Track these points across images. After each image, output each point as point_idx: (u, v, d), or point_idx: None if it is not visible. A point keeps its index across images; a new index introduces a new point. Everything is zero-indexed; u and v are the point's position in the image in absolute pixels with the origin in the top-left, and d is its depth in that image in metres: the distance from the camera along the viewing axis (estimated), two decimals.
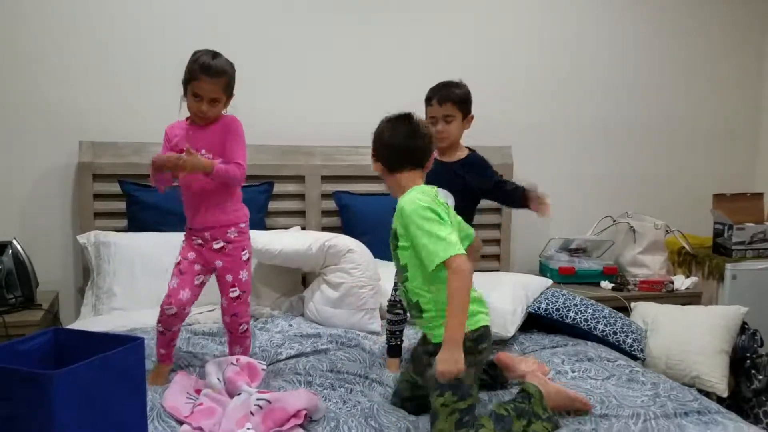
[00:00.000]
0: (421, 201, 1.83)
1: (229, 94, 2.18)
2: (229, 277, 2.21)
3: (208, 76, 2.08)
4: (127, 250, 2.83)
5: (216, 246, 2.19)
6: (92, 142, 3.04)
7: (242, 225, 2.24)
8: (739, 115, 3.90)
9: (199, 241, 2.20)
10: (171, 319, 2.14)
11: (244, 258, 2.24)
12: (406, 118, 2.02)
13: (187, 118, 2.21)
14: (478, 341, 1.87)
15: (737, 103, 3.89)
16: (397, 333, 2.37)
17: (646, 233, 3.46)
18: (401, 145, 1.95)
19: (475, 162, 2.43)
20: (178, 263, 2.20)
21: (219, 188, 2.17)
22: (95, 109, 3.10)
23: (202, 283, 2.22)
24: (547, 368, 2.27)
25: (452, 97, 2.38)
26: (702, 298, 3.36)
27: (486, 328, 1.90)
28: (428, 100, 2.41)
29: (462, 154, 2.43)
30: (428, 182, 2.00)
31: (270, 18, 3.26)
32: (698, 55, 3.79)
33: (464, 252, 1.77)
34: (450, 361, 1.70)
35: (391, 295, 2.40)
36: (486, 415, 1.80)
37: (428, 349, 1.93)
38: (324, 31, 3.33)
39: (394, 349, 2.36)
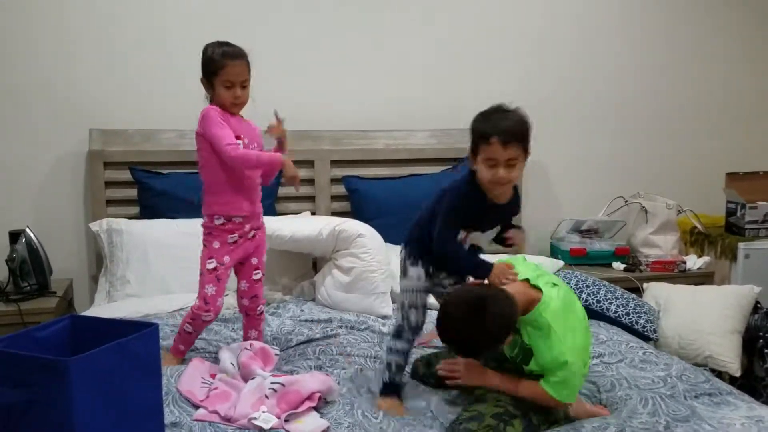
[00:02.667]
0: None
1: (250, 76, 2.20)
2: (255, 260, 2.25)
3: (234, 60, 2.11)
4: (140, 237, 2.84)
5: (250, 236, 2.22)
6: (102, 129, 3.05)
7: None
8: (752, 93, 3.85)
9: (236, 237, 2.17)
10: (204, 323, 2.18)
11: (265, 241, 2.31)
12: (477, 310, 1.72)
13: (220, 108, 2.16)
14: None
15: (750, 80, 3.83)
16: (402, 365, 1.98)
17: (658, 213, 3.44)
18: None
19: (518, 198, 2.07)
20: (215, 269, 2.14)
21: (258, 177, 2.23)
22: (105, 96, 3.10)
23: None
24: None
25: (518, 137, 1.85)
26: (714, 277, 3.35)
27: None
28: (485, 138, 1.83)
29: (510, 191, 1.98)
30: (480, 225, 1.96)
31: (279, 4, 3.24)
32: (710, 32, 3.74)
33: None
34: (477, 377, 1.86)
35: (396, 319, 2.04)
36: (520, 417, 1.78)
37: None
38: (333, 17, 3.31)
39: (394, 387, 1.96)
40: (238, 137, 2.12)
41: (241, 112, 2.22)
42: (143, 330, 1.65)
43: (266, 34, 3.23)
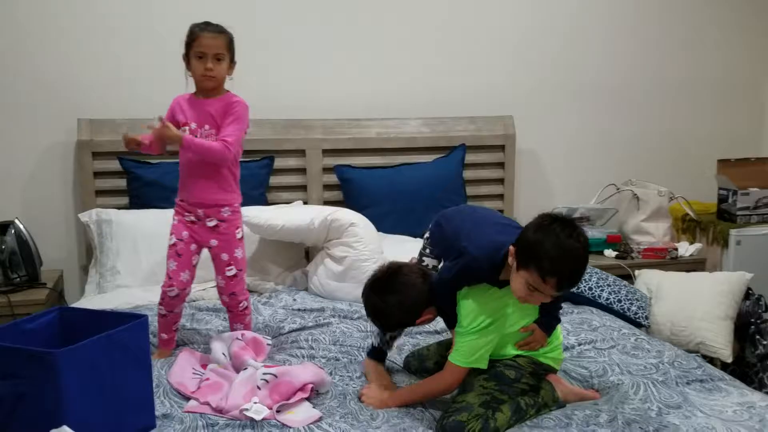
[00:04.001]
0: None
1: (231, 56, 2.18)
2: (225, 256, 2.20)
3: (209, 32, 2.11)
4: (129, 228, 2.82)
5: (210, 224, 2.19)
6: (90, 119, 3.02)
7: (236, 205, 2.24)
8: (744, 79, 3.85)
9: (192, 218, 2.19)
10: (174, 301, 2.17)
11: (239, 236, 2.24)
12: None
13: (194, 93, 2.19)
14: (546, 372, 1.94)
15: (742, 66, 3.83)
16: (394, 336, 2.07)
17: (649, 200, 3.44)
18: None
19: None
20: (174, 245, 2.18)
21: (216, 168, 2.16)
22: (93, 86, 3.07)
23: (197, 262, 2.23)
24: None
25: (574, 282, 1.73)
26: (706, 264, 3.36)
27: (552, 372, 1.96)
28: (543, 273, 1.66)
29: None
30: None
31: None
32: (702, 19, 3.73)
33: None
34: (377, 400, 1.83)
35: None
36: (507, 403, 1.80)
37: None
38: (325, 5, 3.28)
39: (380, 353, 2.05)
40: (185, 123, 2.14)
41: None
42: (132, 321, 1.64)
43: (258, 23, 3.20)
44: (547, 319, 1.90)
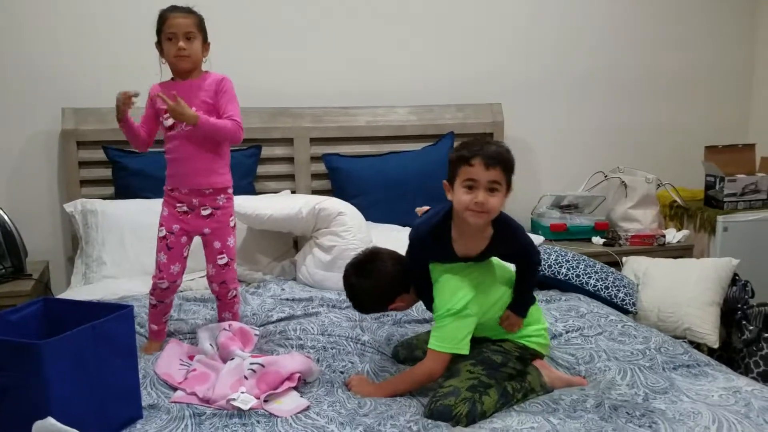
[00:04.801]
0: None
1: (204, 36, 2.14)
2: (217, 244, 2.19)
3: (178, 11, 2.09)
4: (115, 218, 2.80)
5: (204, 212, 2.16)
6: (75, 108, 2.98)
7: (229, 190, 2.21)
8: (731, 66, 3.86)
9: (185, 208, 2.16)
10: (164, 293, 2.15)
11: (231, 224, 2.23)
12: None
13: (171, 79, 2.16)
14: (532, 357, 1.95)
15: (729, 53, 3.84)
16: None
17: (637, 188, 3.45)
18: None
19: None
20: (164, 237, 2.15)
21: (212, 149, 2.13)
22: (77, 74, 3.03)
23: (188, 253, 2.21)
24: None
25: (503, 162, 1.75)
26: (694, 250, 3.37)
27: (541, 356, 1.99)
28: (466, 159, 1.73)
29: (482, 243, 1.87)
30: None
31: None
32: (688, 7, 3.73)
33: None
34: (363, 392, 1.82)
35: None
36: (494, 386, 1.81)
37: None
38: None
39: None
40: (166, 110, 2.07)
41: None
42: (118, 312, 1.63)
43: (246, 10, 3.17)
44: (520, 301, 1.92)
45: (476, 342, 1.89)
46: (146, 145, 2.20)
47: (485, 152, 1.72)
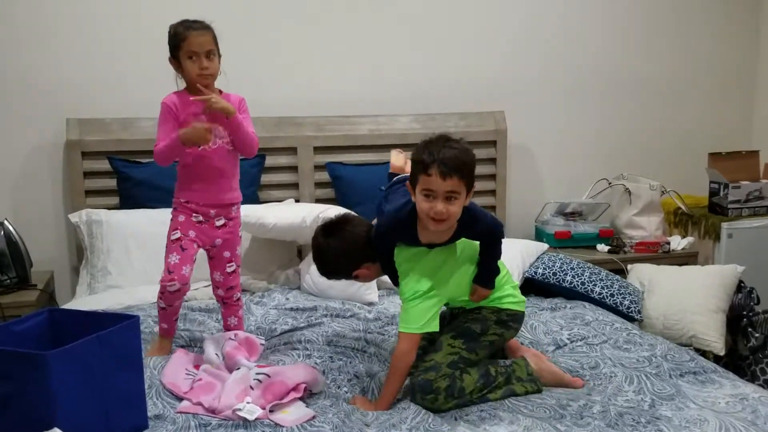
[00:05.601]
0: None
1: (219, 50, 2.15)
2: (227, 253, 2.22)
3: (196, 30, 2.08)
4: (120, 228, 2.81)
5: (218, 223, 2.19)
6: (79, 119, 3.00)
7: (239, 204, 2.26)
8: (734, 72, 3.85)
9: (201, 218, 2.17)
10: (174, 295, 2.12)
11: (240, 234, 2.28)
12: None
13: (185, 89, 2.14)
14: (513, 320, 1.99)
15: (733, 59, 3.83)
16: None
17: (641, 195, 3.44)
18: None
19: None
20: (179, 239, 2.12)
21: (233, 167, 2.19)
22: (82, 85, 3.04)
23: (195, 261, 2.21)
24: (548, 357, 2.23)
25: (460, 169, 1.72)
26: (698, 257, 3.36)
27: (522, 314, 2.02)
28: (424, 167, 1.72)
29: (447, 234, 1.87)
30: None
31: None
32: (692, 9, 3.73)
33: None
34: (367, 409, 1.80)
35: None
36: (476, 368, 1.86)
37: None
38: (313, 2, 3.26)
39: None
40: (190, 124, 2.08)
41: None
42: (123, 322, 1.63)
43: (249, 20, 3.18)
44: (486, 275, 1.95)
45: (453, 314, 1.99)
46: (172, 160, 2.18)
47: (442, 160, 1.69)
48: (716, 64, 3.81)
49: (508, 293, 1.99)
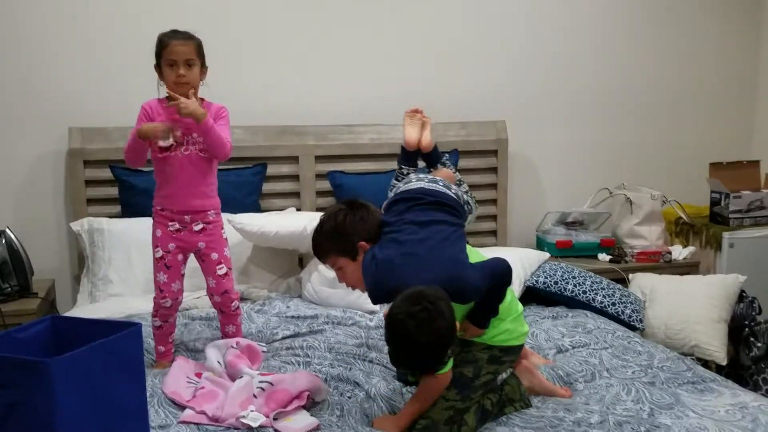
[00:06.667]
0: None
1: (202, 61, 2.18)
2: (215, 255, 2.22)
3: (178, 39, 2.12)
4: (121, 236, 2.81)
5: (196, 227, 2.20)
6: (81, 128, 3.01)
7: (218, 208, 2.27)
8: (735, 83, 3.87)
9: (177, 226, 2.19)
10: (168, 311, 2.19)
11: (224, 236, 2.27)
12: None
13: (166, 98, 2.17)
14: (506, 353, 1.92)
15: (733, 70, 3.85)
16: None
17: (642, 204, 3.45)
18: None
19: None
20: (161, 258, 2.18)
21: (205, 173, 2.18)
22: (83, 94, 3.05)
23: (185, 270, 2.24)
24: (551, 361, 2.23)
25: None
26: (700, 267, 3.37)
27: (519, 346, 1.96)
28: None
29: None
30: None
31: (261, 1, 3.21)
32: (693, 21, 3.75)
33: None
34: (390, 425, 1.77)
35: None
36: (473, 411, 1.81)
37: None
38: (317, 11, 3.28)
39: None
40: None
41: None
42: (126, 330, 1.62)
43: (249, 29, 3.20)
44: (479, 315, 1.83)
45: None
46: (144, 162, 2.22)
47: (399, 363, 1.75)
48: (717, 75, 3.82)
49: (503, 330, 1.89)
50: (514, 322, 1.92)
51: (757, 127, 3.91)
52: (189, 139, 2.15)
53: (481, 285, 1.73)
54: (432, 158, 2.23)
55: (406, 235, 1.79)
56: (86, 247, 2.83)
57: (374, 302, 1.83)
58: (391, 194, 2.04)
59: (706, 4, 3.76)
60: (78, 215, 2.97)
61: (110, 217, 2.95)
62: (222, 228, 2.27)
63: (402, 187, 2.00)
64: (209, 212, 2.22)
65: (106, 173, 3.00)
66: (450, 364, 1.78)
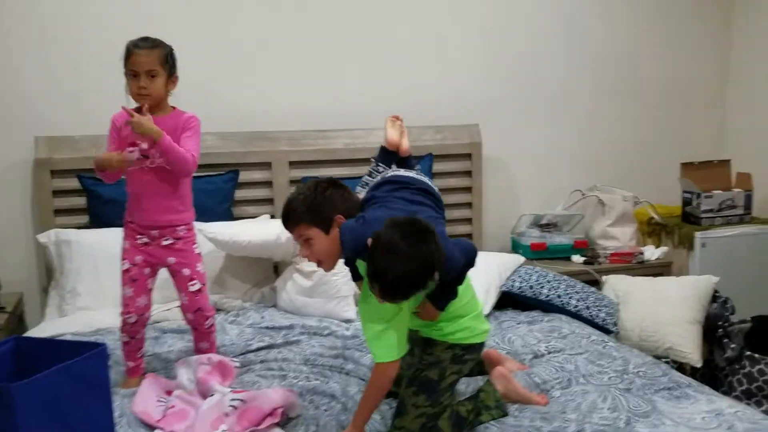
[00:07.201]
0: None
1: (169, 71, 2.10)
2: (187, 271, 2.16)
3: (141, 48, 2.05)
4: (90, 248, 2.74)
5: (165, 243, 2.14)
6: (48, 137, 2.94)
7: (191, 223, 2.21)
8: (705, 85, 3.90)
9: (145, 239, 2.14)
10: (134, 327, 2.13)
11: (197, 251, 2.21)
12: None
13: (135, 108, 2.11)
14: (468, 352, 1.91)
15: (703, 72, 3.88)
16: None
17: (615, 205, 3.46)
18: None
19: None
20: (127, 270, 2.13)
21: (172, 187, 2.12)
22: (50, 103, 2.98)
23: (153, 286, 2.18)
24: (527, 366, 2.24)
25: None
26: (672, 267, 3.39)
27: (480, 344, 1.94)
28: None
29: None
30: None
31: (231, 3, 3.16)
32: (665, 25, 3.77)
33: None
34: None
35: None
36: (446, 417, 1.82)
37: (416, 337, 1.94)
38: (287, 16, 3.24)
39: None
40: (133, 143, 2.07)
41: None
42: (91, 351, 1.59)
43: (221, 35, 3.15)
44: (438, 295, 1.81)
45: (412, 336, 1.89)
46: (117, 178, 2.16)
47: (385, 290, 1.62)
48: (688, 77, 3.85)
49: (464, 327, 1.88)
50: (474, 320, 1.92)
51: (727, 126, 3.95)
52: (156, 152, 2.08)
53: (459, 259, 1.74)
54: (407, 165, 2.23)
55: (395, 205, 1.80)
56: (54, 259, 2.77)
57: (350, 258, 1.82)
58: (361, 189, 2.00)
59: (678, 8, 3.78)
60: (46, 226, 2.90)
61: (78, 227, 2.88)
62: (194, 243, 2.20)
63: (390, 173, 1.98)
64: (179, 228, 2.15)
65: (73, 183, 2.94)
66: (393, 356, 1.73)
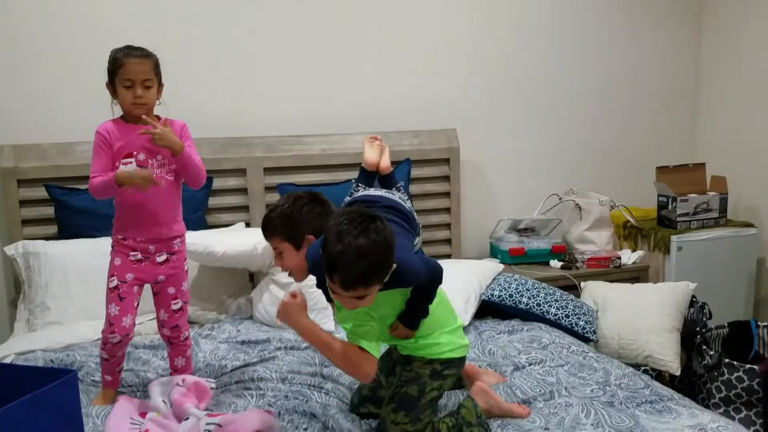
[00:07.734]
0: None
1: (159, 80, 2.07)
2: (172, 290, 2.12)
3: (135, 57, 1.99)
4: (58, 260, 2.66)
5: (160, 259, 2.09)
6: (14, 145, 2.84)
7: (184, 235, 2.16)
8: (678, 86, 3.92)
9: (139, 256, 2.07)
10: (116, 347, 2.05)
11: (186, 269, 2.17)
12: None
13: (120, 117, 2.06)
14: (447, 367, 1.88)
15: (676, 73, 3.90)
16: None
17: (591, 209, 3.46)
18: None
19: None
20: (116, 287, 2.04)
21: (176, 196, 2.10)
22: (15, 110, 2.88)
23: (138, 303, 2.11)
24: (506, 378, 2.22)
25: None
26: (649, 271, 3.40)
27: (460, 359, 1.92)
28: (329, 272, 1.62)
29: None
30: None
31: (205, 7, 3.09)
32: (638, 31, 3.78)
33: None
34: (287, 314, 1.75)
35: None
36: (426, 429, 1.81)
37: (395, 356, 1.95)
38: (261, 20, 3.17)
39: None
40: (129, 155, 2.01)
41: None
42: (60, 378, 1.52)
43: (194, 40, 3.07)
44: (409, 315, 1.82)
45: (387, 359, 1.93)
46: (115, 195, 2.06)
47: (342, 276, 1.57)
48: (662, 83, 3.87)
49: (439, 342, 1.86)
50: (451, 335, 1.90)
51: (701, 130, 3.98)
52: (154, 162, 2.03)
53: (420, 271, 1.74)
54: (388, 182, 2.26)
55: None
56: (21, 272, 2.68)
57: (319, 279, 1.80)
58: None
59: (652, 16, 3.79)
60: (13, 237, 2.80)
61: (47, 238, 2.79)
62: (185, 260, 2.16)
63: (359, 193, 2.08)
64: (175, 241, 2.10)
65: (41, 192, 2.84)
66: (373, 349, 1.71)
